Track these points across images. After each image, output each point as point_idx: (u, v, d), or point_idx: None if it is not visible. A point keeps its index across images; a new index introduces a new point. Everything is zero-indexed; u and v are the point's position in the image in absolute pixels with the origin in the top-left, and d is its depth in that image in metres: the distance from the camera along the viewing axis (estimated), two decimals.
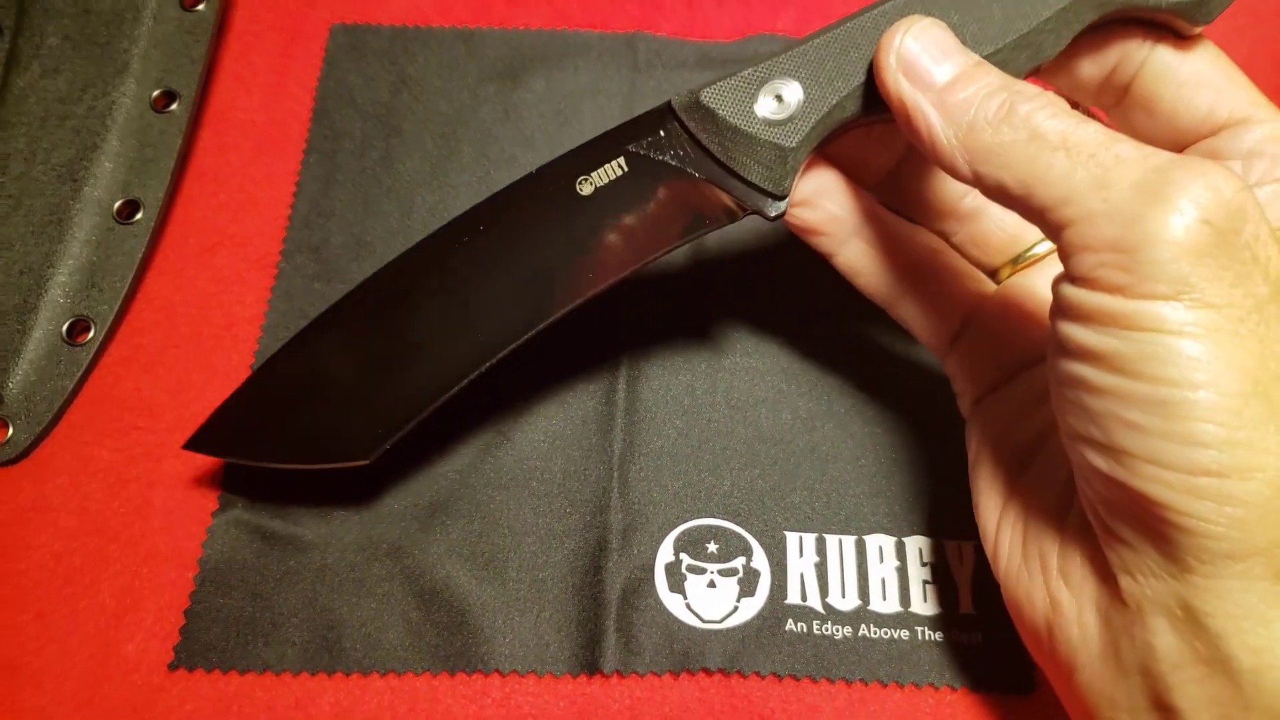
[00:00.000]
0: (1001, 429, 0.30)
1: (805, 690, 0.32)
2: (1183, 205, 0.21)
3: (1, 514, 0.35)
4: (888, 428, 0.36)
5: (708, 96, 0.29)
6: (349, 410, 0.31)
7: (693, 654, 0.32)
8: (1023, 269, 0.31)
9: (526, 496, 0.35)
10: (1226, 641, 0.22)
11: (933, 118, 0.25)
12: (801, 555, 0.34)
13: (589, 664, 0.32)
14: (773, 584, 0.34)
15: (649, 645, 0.32)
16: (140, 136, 0.41)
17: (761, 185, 0.28)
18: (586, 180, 0.30)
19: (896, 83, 0.26)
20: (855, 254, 0.31)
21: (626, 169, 0.29)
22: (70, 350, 0.38)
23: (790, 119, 0.28)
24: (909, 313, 0.32)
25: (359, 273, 0.40)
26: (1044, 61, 0.28)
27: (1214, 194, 0.21)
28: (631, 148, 0.29)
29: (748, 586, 0.34)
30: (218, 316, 0.39)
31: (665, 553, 0.34)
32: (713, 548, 0.34)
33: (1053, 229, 0.23)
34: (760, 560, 0.34)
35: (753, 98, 0.28)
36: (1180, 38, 0.28)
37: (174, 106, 0.42)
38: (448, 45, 0.46)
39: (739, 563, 0.34)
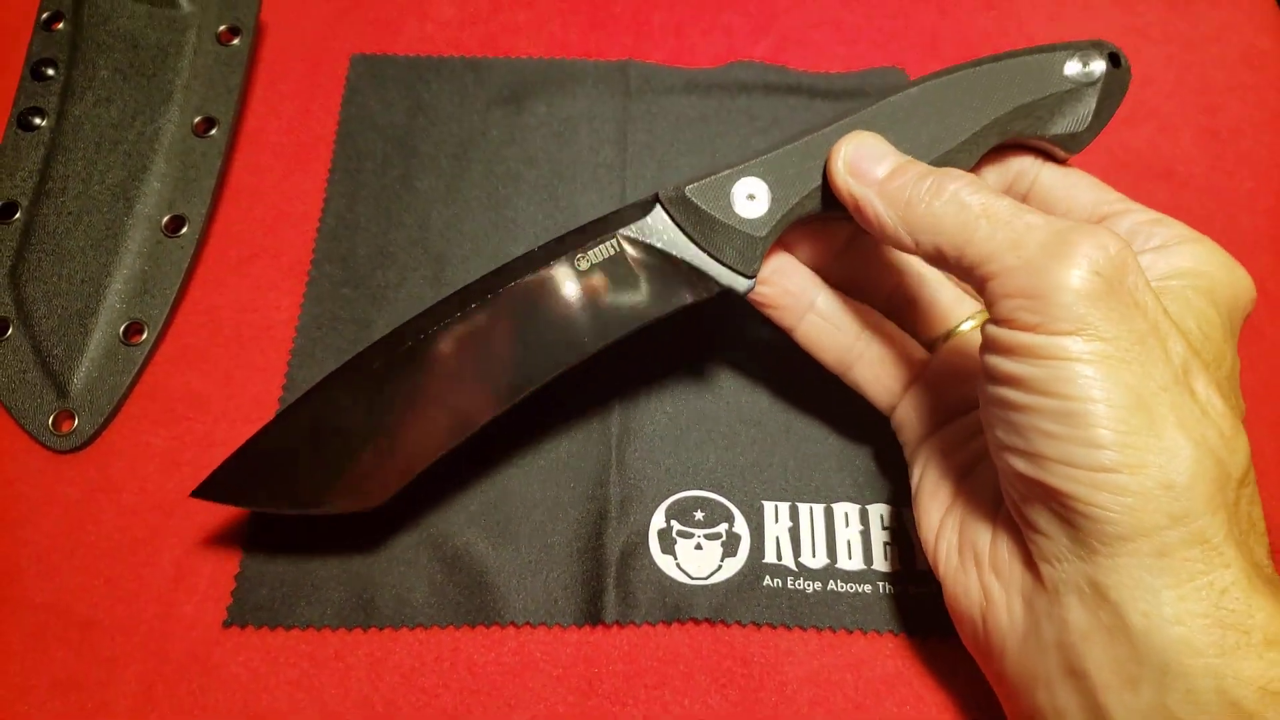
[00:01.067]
0: (941, 457, 0.35)
1: (780, 637, 0.37)
2: (1079, 260, 0.26)
3: (72, 494, 0.39)
4: (854, 410, 0.40)
5: (691, 192, 0.34)
6: (363, 460, 0.34)
7: (682, 606, 0.37)
8: (954, 338, 0.37)
9: (536, 473, 0.40)
10: (1123, 609, 0.26)
11: (878, 205, 0.31)
12: (777, 521, 0.39)
13: (592, 616, 0.37)
14: (752, 546, 0.38)
15: (644, 599, 0.37)
16: (184, 159, 0.45)
17: (735, 266, 0.33)
18: (584, 257, 0.34)
19: (846, 182, 0.32)
20: (812, 327, 0.36)
21: (618, 249, 0.34)
22: (126, 350, 0.42)
23: (760, 215, 0.33)
24: (862, 376, 0.37)
25: (383, 280, 0.44)
26: None
27: (1102, 251, 0.26)
28: (624, 231, 0.34)
29: (730, 548, 0.38)
30: (256, 319, 0.44)
31: (658, 520, 0.39)
32: (699, 515, 0.39)
33: (979, 282, 0.29)
34: (741, 526, 0.39)
35: (729, 195, 0.34)
36: (1055, 160, 0.36)
37: (214, 131, 0.46)
38: (458, 74, 0.50)
39: (722, 528, 0.39)
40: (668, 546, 0.38)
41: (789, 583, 0.37)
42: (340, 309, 0.44)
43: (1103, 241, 0.26)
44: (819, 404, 0.41)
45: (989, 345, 0.29)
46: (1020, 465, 0.28)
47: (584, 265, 0.34)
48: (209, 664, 0.36)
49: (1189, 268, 0.32)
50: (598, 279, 0.34)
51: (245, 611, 0.37)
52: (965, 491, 0.33)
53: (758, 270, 0.34)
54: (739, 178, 0.34)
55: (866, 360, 0.36)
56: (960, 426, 0.35)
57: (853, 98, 0.50)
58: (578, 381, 0.42)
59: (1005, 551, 0.30)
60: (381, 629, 0.37)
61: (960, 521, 0.32)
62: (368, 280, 0.45)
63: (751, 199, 0.33)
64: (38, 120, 0.45)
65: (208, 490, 0.34)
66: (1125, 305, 0.26)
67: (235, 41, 0.48)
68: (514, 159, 0.48)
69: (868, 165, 0.32)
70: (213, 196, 0.45)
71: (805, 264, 0.37)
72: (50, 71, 0.46)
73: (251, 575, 0.38)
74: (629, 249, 0.34)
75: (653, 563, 0.38)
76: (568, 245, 0.34)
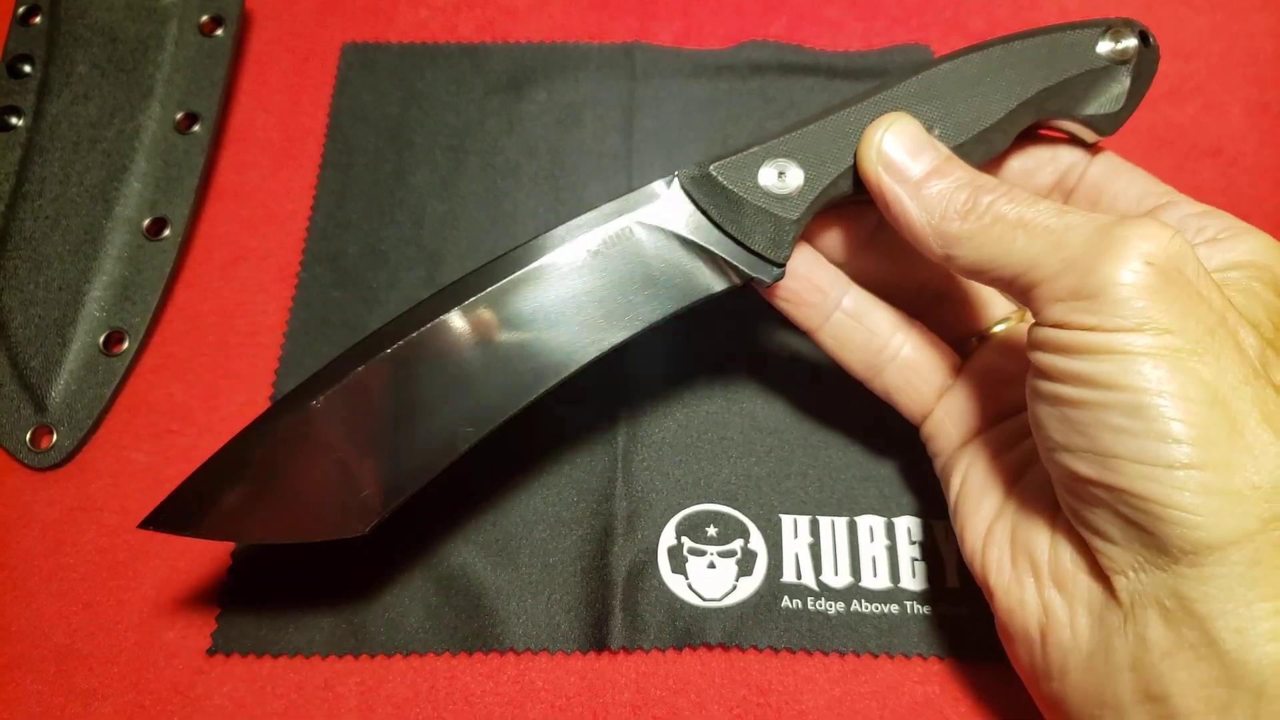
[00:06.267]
0: (987, 460, 0.32)
1: (800, 662, 0.34)
2: (1128, 253, 0.24)
3: (50, 514, 0.37)
4: (879, 416, 0.38)
5: (716, 170, 0.31)
6: (343, 482, 0.30)
7: (694, 630, 0.34)
8: (990, 339, 0.34)
9: (537, 487, 0.37)
10: (1212, 624, 0.23)
11: (909, 207, 0.29)
12: (796, 536, 0.36)
13: (597, 642, 0.34)
14: (769, 564, 0.36)
15: (653, 623, 0.34)
16: (166, 157, 0.43)
17: (764, 253, 0.30)
18: (593, 248, 0.31)
19: (878, 175, 0.30)
20: (840, 328, 0.33)
21: (634, 234, 0.31)
22: (107, 360, 0.40)
23: (791, 194, 0.31)
24: (892, 383, 0.34)
25: (375, 281, 0.42)
26: (994, 155, 0.32)
27: (1153, 242, 0.24)
28: (639, 214, 0.31)
29: (746, 566, 0.35)
30: (243, 325, 0.42)
31: (668, 536, 0.36)
32: (712, 531, 0.36)
33: (1021, 292, 0.27)
34: (757, 542, 0.36)
35: (756, 173, 0.31)
36: (1087, 143, 0.33)
37: (196, 128, 0.44)
38: (454, 61, 0.48)
39: (737, 544, 0.36)
40: (678, 565, 0.36)
41: (809, 603, 0.35)
42: (331, 313, 0.42)
43: (1150, 232, 0.25)
44: (841, 410, 0.39)
45: (1039, 345, 0.26)
46: (1082, 467, 0.25)
47: (593, 248, 0.31)
48: (192, 695, 0.34)
49: (1246, 260, 0.29)
50: (610, 268, 0.31)
51: (231, 639, 0.35)
52: (1017, 495, 0.30)
53: (788, 258, 0.31)
54: (769, 156, 0.31)
55: (898, 365, 0.33)
56: (1006, 429, 0.32)
57: (874, 77, 0.47)
58: (580, 386, 0.39)
59: (1068, 561, 0.27)
60: (373, 656, 0.35)
61: (1012, 529, 0.30)
62: (359, 281, 0.42)
63: (782, 177, 0.31)
64: (14, 120, 0.43)
65: (160, 520, 0.30)
66: (1187, 297, 0.24)
67: (219, 32, 0.46)
68: (513, 150, 0.46)
69: (903, 160, 0.29)
70: (196, 196, 0.43)
71: (827, 257, 0.34)
72: (27, 68, 0.44)
73: (237, 600, 0.36)
74: (643, 235, 0.31)
75: (662, 583, 0.35)
76: (573, 231, 0.31)
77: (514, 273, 0.31)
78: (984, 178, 0.29)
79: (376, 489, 0.30)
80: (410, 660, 0.35)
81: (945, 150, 0.30)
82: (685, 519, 0.37)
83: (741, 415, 0.39)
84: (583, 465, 0.38)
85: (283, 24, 0.49)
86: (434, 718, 0.34)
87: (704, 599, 0.35)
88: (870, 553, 0.36)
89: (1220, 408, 0.23)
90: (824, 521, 0.36)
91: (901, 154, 0.29)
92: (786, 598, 0.35)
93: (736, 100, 0.47)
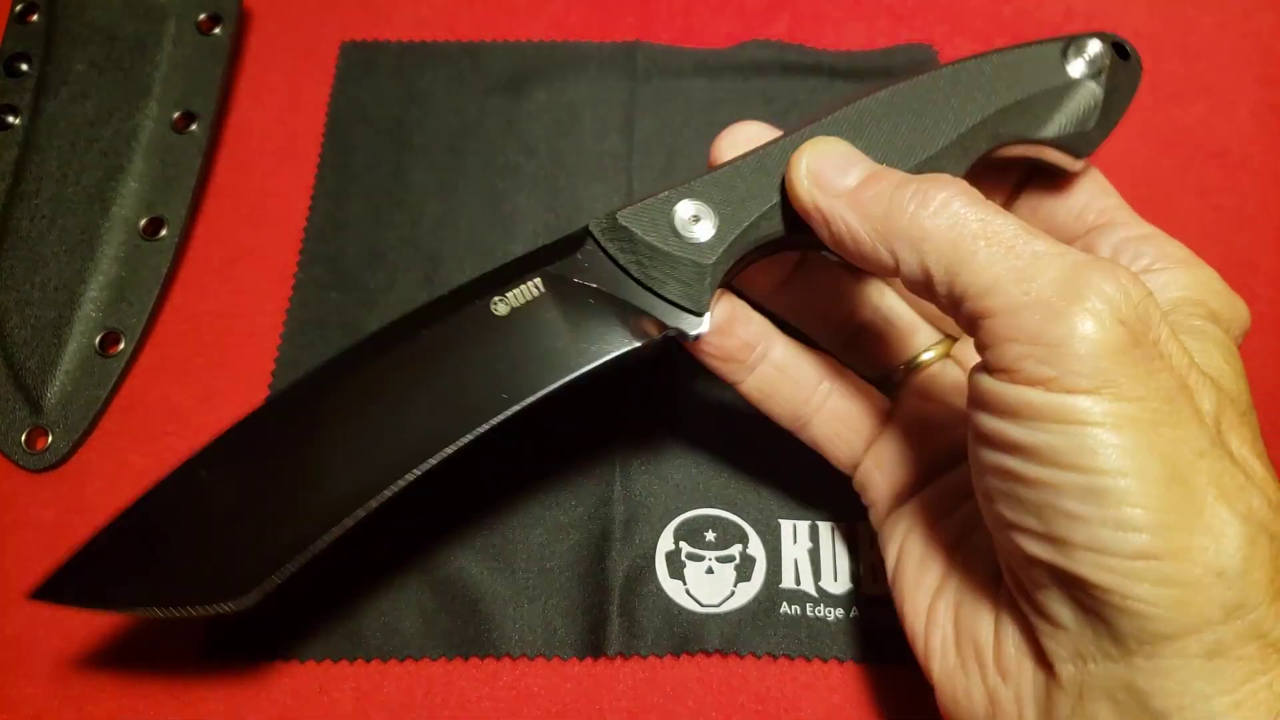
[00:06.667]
0: (924, 528, 0.30)
1: (799, 669, 0.34)
2: (1099, 305, 0.22)
3: (45, 517, 0.37)
4: None
5: (624, 217, 0.29)
6: (224, 546, 0.28)
7: (692, 636, 0.34)
8: (915, 372, 0.33)
9: (534, 491, 0.37)
10: None
11: (849, 218, 0.26)
12: (795, 542, 0.36)
13: (594, 647, 0.34)
14: (768, 569, 0.35)
15: (650, 629, 0.34)
16: (163, 156, 0.43)
17: (680, 302, 0.28)
18: (502, 300, 0.29)
19: (810, 194, 0.27)
20: (764, 380, 0.31)
21: (543, 290, 0.29)
22: (103, 361, 0.40)
23: (707, 238, 0.29)
24: (820, 433, 0.32)
25: (373, 282, 0.42)
26: None
27: (1125, 295, 0.22)
28: (548, 268, 0.29)
29: (744, 572, 0.35)
30: (240, 326, 0.41)
31: (665, 541, 0.36)
32: (710, 536, 0.36)
33: (971, 318, 0.24)
34: (756, 547, 0.36)
35: (670, 217, 0.29)
36: (1064, 170, 0.31)
37: (194, 127, 0.44)
38: (454, 60, 0.48)
39: (736, 550, 0.36)
40: (676, 570, 0.35)
41: (809, 610, 0.34)
42: (329, 314, 0.41)
43: (1125, 285, 0.23)
44: None
45: (984, 403, 0.24)
46: (1032, 548, 0.23)
47: (502, 310, 0.29)
48: (187, 699, 0.34)
49: (1180, 296, 0.28)
50: (519, 325, 0.29)
51: (225, 643, 0.35)
52: (959, 566, 0.28)
53: (708, 306, 0.29)
54: (680, 199, 0.29)
55: (824, 415, 0.32)
56: (943, 488, 0.30)
57: (878, 77, 0.47)
58: (578, 390, 0.39)
59: (1011, 645, 0.26)
60: (369, 661, 0.34)
61: (955, 608, 0.28)
62: (357, 282, 0.42)
63: (697, 221, 0.29)
64: (11, 118, 0.43)
65: (51, 591, 0.29)
66: (1151, 359, 0.22)
67: (217, 31, 0.46)
68: (513, 150, 0.45)
69: (833, 174, 0.27)
70: (193, 196, 0.43)
71: (747, 302, 0.32)
72: (24, 67, 0.44)
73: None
74: (554, 289, 0.29)
75: (660, 588, 0.35)
76: (484, 288, 0.29)
77: (421, 331, 0.29)
78: (933, 175, 0.26)
79: (258, 561, 0.28)
80: (406, 665, 0.34)
81: (878, 164, 0.28)
82: (683, 524, 0.36)
83: (741, 419, 0.38)
84: (580, 469, 0.37)
85: (281, 22, 0.49)
86: None
87: (702, 604, 0.35)
88: (870, 559, 0.35)
89: (1179, 485, 0.22)
90: (823, 527, 0.36)
91: (831, 169, 0.27)
92: (785, 604, 0.35)
93: (739, 100, 0.47)
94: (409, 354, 0.29)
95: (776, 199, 0.29)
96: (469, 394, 0.28)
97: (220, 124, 0.46)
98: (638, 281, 0.29)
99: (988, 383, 0.24)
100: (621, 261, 0.29)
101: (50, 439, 0.38)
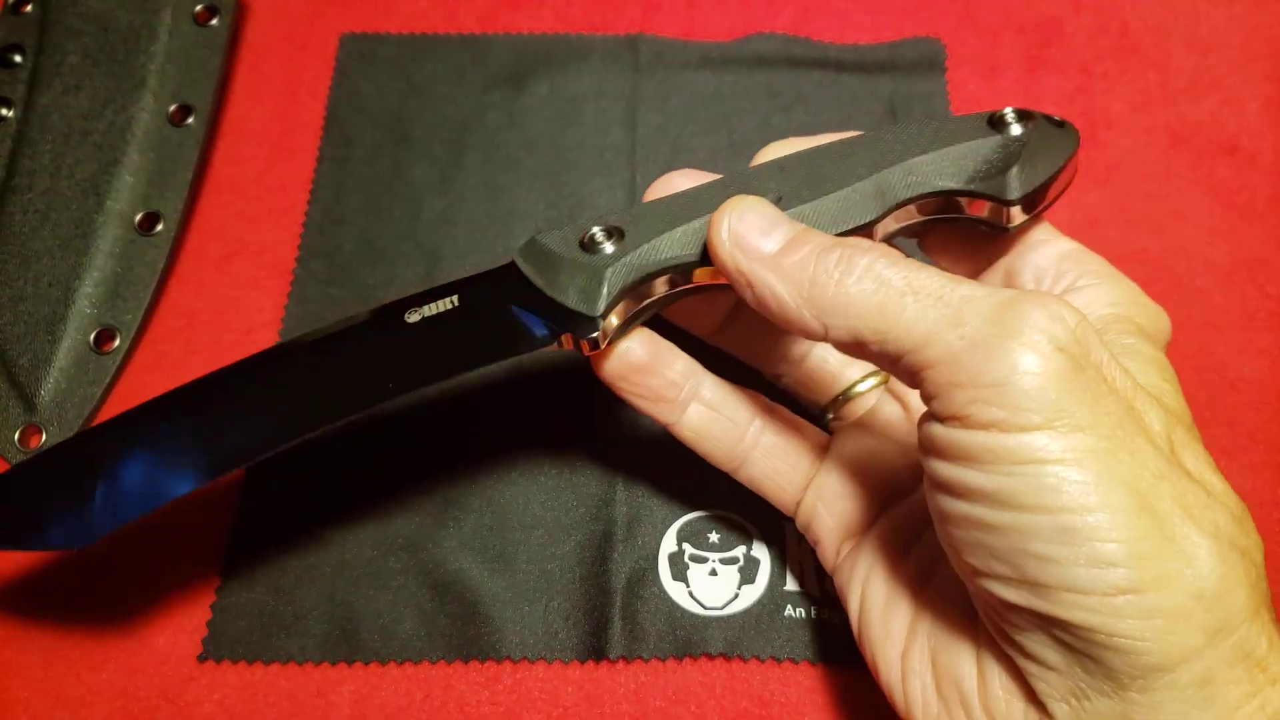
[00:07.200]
0: (885, 569, 0.29)
1: (804, 673, 0.33)
2: (1036, 336, 0.22)
3: None
4: None
5: (542, 236, 0.29)
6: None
7: (695, 640, 0.33)
8: (851, 403, 0.33)
9: (535, 492, 0.37)
10: None
11: (774, 284, 0.26)
12: (800, 543, 0.35)
13: (595, 651, 0.33)
14: (772, 571, 0.35)
15: (653, 632, 0.34)
16: (159, 150, 0.42)
17: (576, 307, 0.28)
18: (416, 312, 0.30)
19: (733, 258, 0.26)
20: (697, 420, 0.31)
21: (457, 304, 0.30)
22: (97, 358, 0.39)
23: (611, 251, 0.28)
24: (758, 470, 0.32)
25: (372, 277, 0.41)
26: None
27: (1060, 323, 0.22)
28: (467, 286, 0.30)
29: (748, 574, 0.35)
30: (237, 323, 0.41)
31: (668, 543, 0.35)
32: (714, 537, 0.35)
33: (911, 372, 0.24)
34: (760, 549, 0.35)
35: (581, 235, 0.29)
36: (1005, 230, 0.29)
37: (190, 120, 0.43)
38: (454, 52, 0.47)
39: (740, 551, 0.35)
40: (679, 572, 0.35)
41: (814, 613, 0.34)
42: (327, 309, 0.41)
43: (1058, 311, 0.22)
44: None
45: (937, 451, 0.23)
46: (1007, 594, 0.23)
47: (414, 319, 0.30)
48: (182, 702, 0.33)
49: (1109, 314, 0.27)
50: (425, 328, 0.30)
51: (221, 644, 0.34)
52: (928, 609, 0.27)
53: (602, 309, 0.28)
54: (596, 223, 0.29)
55: (761, 452, 0.31)
56: (895, 523, 0.29)
57: (883, 71, 0.46)
58: (579, 390, 0.39)
59: (998, 686, 0.24)
60: (367, 663, 0.34)
61: (931, 652, 0.26)
62: (356, 278, 0.42)
63: (608, 237, 0.28)
64: (4, 110, 0.43)
65: None
66: (1096, 384, 0.22)
67: (214, 21, 0.45)
68: (514, 143, 0.45)
69: (756, 236, 0.26)
70: (190, 190, 0.42)
71: (685, 349, 0.31)
72: (18, 58, 0.44)
73: (228, 605, 0.35)
74: (466, 303, 0.30)
75: (662, 591, 0.34)
76: (402, 304, 0.30)
77: (332, 337, 0.30)
78: (854, 239, 0.26)
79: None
80: (404, 668, 0.34)
81: (800, 225, 0.27)
82: (687, 524, 0.36)
83: None
84: (582, 469, 0.37)
85: (279, 14, 0.48)
86: None
87: (705, 607, 0.34)
88: None
89: (1147, 512, 0.21)
90: None
91: (753, 231, 0.26)
92: (790, 607, 0.34)
93: (743, 94, 0.46)
94: (328, 347, 0.30)
95: (689, 243, 0.28)
96: (359, 382, 0.30)
97: (217, 117, 0.45)
98: (540, 291, 0.29)
99: (938, 430, 0.23)
100: (531, 276, 0.29)
101: (44, 437, 0.38)
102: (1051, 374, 0.21)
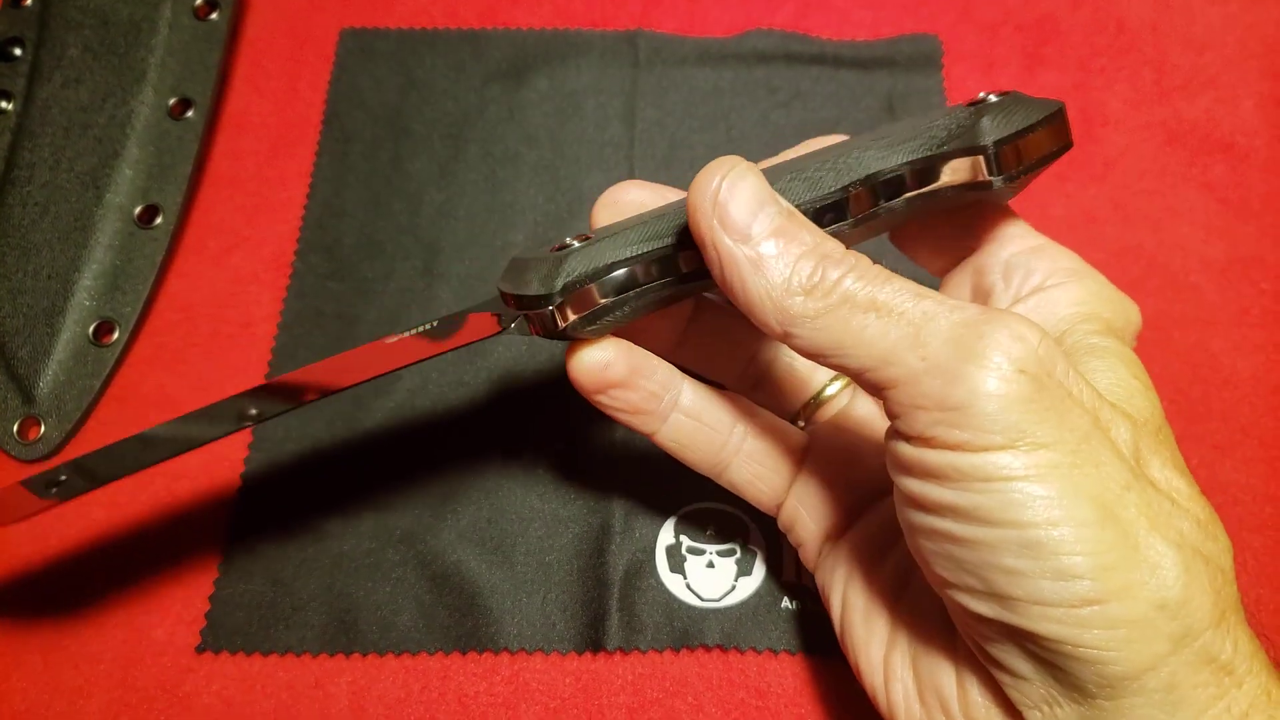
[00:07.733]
0: (864, 574, 0.29)
1: (800, 664, 0.33)
2: (997, 359, 0.21)
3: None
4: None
5: (520, 252, 0.29)
6: None
7: (692, 631, 0.34)
8: (823, 406, 0.32)
9: (533, 484, 0.37)
10: None
11: (747, 276, 0.24)
12: None
13: (593, 642, 0.34)
14: (769, 564, 0.35)
15: (650, 624, 0.34)
16: (158, 143, 0.42)
17: (534, 292, 0.27)
18: (394, 335, 0.29)
19: (713, 229, 0.25)
20: (678, 429, 0.30)
21: (435, 324, 0.29)
22: (96, 351, 0.39)
23: (579, 245, 0.27)
24: (739, 475, 0.31)
25: (371, 271, 0.41)
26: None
27: (1022, 343, 0.22)
28: (448, 315, 0.29)
29: (745, 566, 0.35)
30: (236, 316, 0.41)
31: (666, 535, 0.35)
32: (711, 530, 0.36)
33: (875, 389, 0.24)
34: (757, 541, 0.35)
35: (556, 244, 0.28)
36: (989, 189, 0.27)
37: (190, 113, 0.43)
38: (454, 47, 0.47)
39: (737, 544, 0.35)
40: (676, 565, 0.35)
41: (810, 604, 0.34)
42: (326, 303, 0.41)
43: (1020, 331, 0.22)
44: None
45: (904, 467, 0.23)
46: (976, 606, 0.23)
47: (390, 340, 0.29)
48: (180, 693, 0.34)
49: (1079, 312, 0.27)
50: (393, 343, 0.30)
51: (219, 636, 0.34)
52: (906, 618, 0.27)
53: (559, 287, 0.26)
54: (572, 235, 0.28)
55: (743, 456, 0.31)
56: (871, 527, 0.29)
57: (881, 67, 0.46)
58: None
59: (977, 695, 0.25)
60: (365, 655, 0.34)
61: (912, 659, 0.27)
62: (355, 271, 0.42)
63: (580, 239, 0.27)
64: (3, 104, 0.43)
65: None
66: (1059, 400, 0.22)
67: (214, 15, 0.45)
68: (513, 138, 0.45)
69: (742, 215, 0.24)
70: (189, 184, 0.42)
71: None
72: (18, 51, 0.44)
73: (227, 597, 0.35)
74: (445, 322, 0.29)
75: (660, 583, 0.35)
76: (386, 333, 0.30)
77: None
78: (831, 245, 0.25)
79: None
80: (403, 659, 0.34)
81: (787, 205, 0.25)
82: (684, 517, 0.36)
83: None
84: (581, 462, 0.37)
85: (279, 8, 0.48)
86: (426, 718, 0.33)
87: (702, 599, 0.34)
88: None
89: (1111, 524, 0.21)
90: None
91: (741, 208, 0.24)
92: (787, 598, 0.34)
93: (741, 90, 0.46)
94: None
95: (667, 240, 0.27)
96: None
97: (217, 111, 0.45)
98: (503, 294, 0.28)
99: (904, 448, 0.23)
100: (504, 288, 0.28)
101: (43, 429, 0.38)
102: (1013, 396, 0.21)
